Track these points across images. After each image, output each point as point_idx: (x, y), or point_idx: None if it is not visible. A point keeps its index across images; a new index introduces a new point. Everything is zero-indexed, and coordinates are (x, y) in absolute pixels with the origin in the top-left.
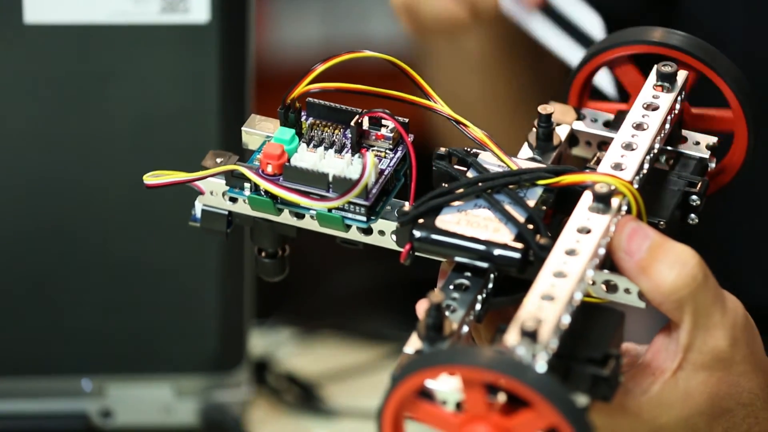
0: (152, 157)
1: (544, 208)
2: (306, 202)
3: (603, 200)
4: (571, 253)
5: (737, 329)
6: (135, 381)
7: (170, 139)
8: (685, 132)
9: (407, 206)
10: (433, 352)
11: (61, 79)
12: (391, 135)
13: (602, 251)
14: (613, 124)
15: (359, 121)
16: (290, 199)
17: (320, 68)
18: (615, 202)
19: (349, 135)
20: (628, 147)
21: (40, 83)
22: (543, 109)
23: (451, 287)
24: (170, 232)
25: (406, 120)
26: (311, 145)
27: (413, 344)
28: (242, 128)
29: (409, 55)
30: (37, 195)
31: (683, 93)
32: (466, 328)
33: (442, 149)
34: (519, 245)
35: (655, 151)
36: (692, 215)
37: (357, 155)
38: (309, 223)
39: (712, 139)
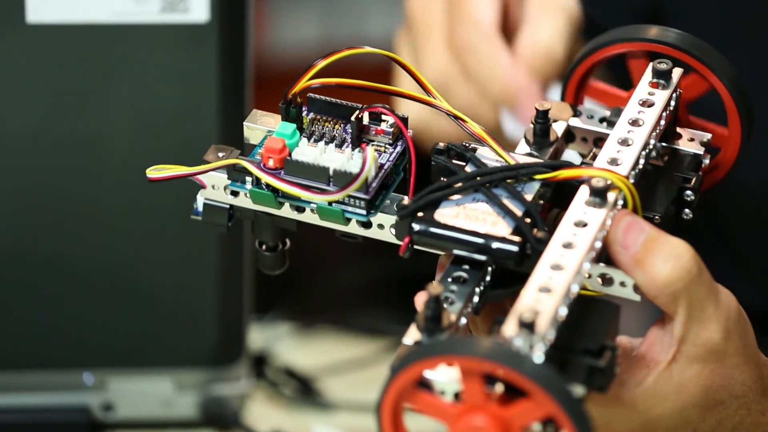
0: (153, 154)
1: (542, 202)
2: (307, 196)
3: (599, 194)
4: (568, 246)
5: (730, 322)
6: (136, 375)
7: (171, 137)
8: (679, 129)
9: (406, 200)
10: (431, 343)
11: (63, 77)
12: (391, 130)
13: (598, 245)
14: (609, 121)
15: (359, 116)
16: (291, 193)
17: (321, 64)
18: (611, 196)
19: (350, 130)
20: (624, 143)
21: (43, 82)
22: (540, 105)
23: (450, 280)
24: (171, 229)
25: (406, 115)
26: (312, 139)
27: (412, 335)
28: (244, 123)
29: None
30: (39, 191)
31: (678, 90)
32: (464, 320)
33: (441, 144)
34: (517, 238)
35: (651, 146)
36: (686, 210)
37: (357, 150)
38: (309, 217)
39: (706, 136)
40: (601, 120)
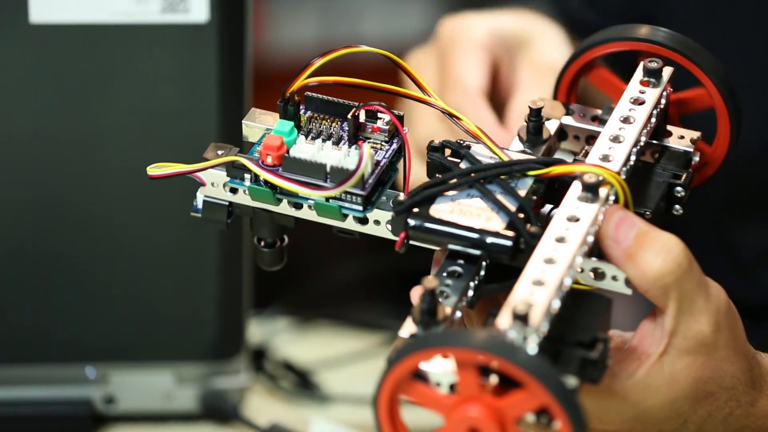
0: (154, 151)
1: (535, 197)
2: (305, 192)
3: (591, 190)
4: (560, 240)
5: (720, 315)
6: (137, 368)
7: (171, 134)
8: (669, 127)
9: (402, 196)
10: (427, 335)
11: (66, 76)
12: (387, 127)
13: (591, 239)
14: (601, 119)
15: (356, 114)
16: (289, 189)
17: (318, 62)
18: (603, 191)
19: (346, 127)
20: (616, 139)
21: (45, 80)
22: (533, 104)
23: (445, 274)
24: (172, 226)
25: (402, 113)
26: (309, 137)
27: (408, 328)
28: (243, 121)
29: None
30: (41, 189)
31: (668, 88)
32: (459, 314)
33: (436, 141)
34: (510, 233)
35: (642, 144)
36: (677, 206)
37: (354, 147)
38: (307, 213)
39: (696, 134)
40: (593, 118)
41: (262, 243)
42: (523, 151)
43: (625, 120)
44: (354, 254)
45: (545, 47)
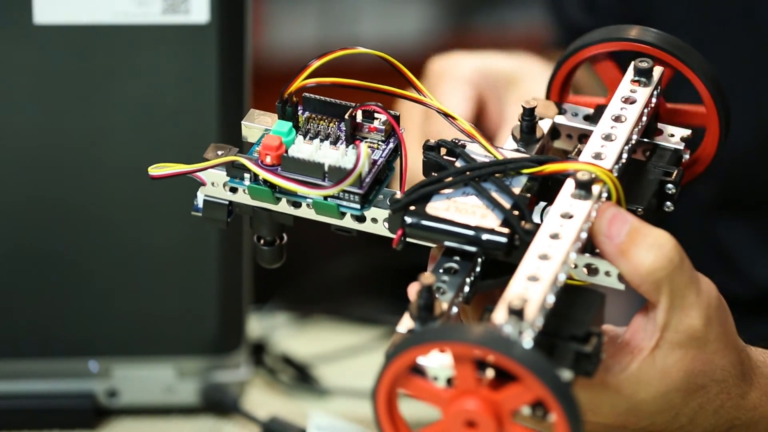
0: (155, 150)
1: (529, 195)
2: (303, 191)
3: (584, 187)
4: (554, 237)
5: (711, 309)
6: (139, 362)
7: (172, 134)
8: (660, 125)
9: (399, 194)
10: (424, 330)
11: (69, 76)
12: (384, 127)
13: (584, 235)
14: (593, 118)
15: (353, 114)
16: (288, 188)
17: (316, 64)
18: (596, 189)
19: (344, 127)
20: (608, 138)
21: (49, 80)
22: (526, 103)
23: (441, 271)
24: (174, 224)
25: (398, 113)
26: (308, 137)
27: (405, 324)
28: (242, 122)
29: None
30: (47, 186)
31: (659, 87)
32: (455, 309)
33: (432, 140)
34: (505, 230)
35: (633, 142)
36: (668, 203)
37: (351, 146)
38: (305, 212)
39: (686, 132)
40: (585, 117)
41: (262, 241)
42: (517, 150)
43: (617, 119)
44: (352, 251)
45: (533, 85)
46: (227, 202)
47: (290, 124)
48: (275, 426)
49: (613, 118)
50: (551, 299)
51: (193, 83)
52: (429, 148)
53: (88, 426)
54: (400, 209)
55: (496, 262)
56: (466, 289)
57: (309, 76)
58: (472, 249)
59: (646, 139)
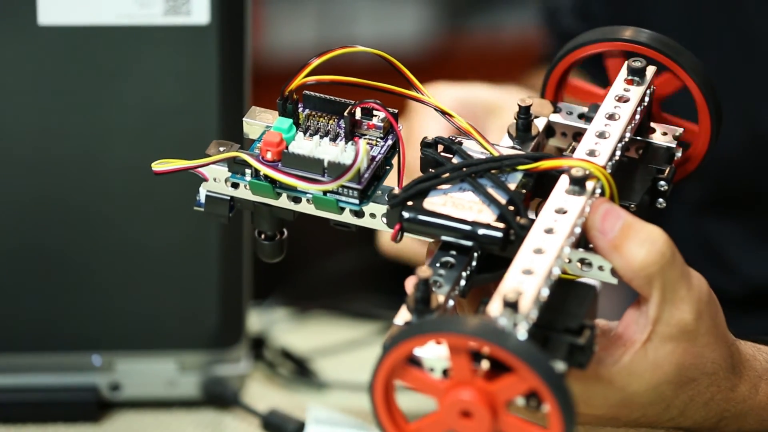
0: (157, 148)
1: (524, 191)
2: (303, 186)
3: (578, 183)
4: (549, 231)
5: (702, 303)
6: (141, 356)
7: (173, 133)
8: (653, 124)
9: (397, 190)
10: (421, 323)
11: (72, 76)
12: (382, 124)
13: (578, 230)
14: (587, 117)
15: (352, 111)
16: (288, 183)
17: (316, 62)
18: (590, 185)
19: (343, 124)
20: (602, 135)
21: (53, 80)
22: (522, 101)
23: (438, 264)
24: (175, 220)
25: (396, 110)
26: (308, 133)
27: (403, 316)
28: (243, 119)
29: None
30: (51, 184)
31: (652, 86)
32: (451, 302)
33: (429, 138)
34: (501, 225)
35: (626, 140)
36: (660, 200)
37: (350, 143)
38: (305, 207)
39: (678, 130)
40: (580, 116)
41: (263, 236)
42: (512, 147)
43: (611, 117)
44: (350, 246)
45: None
46: (229, 198)
47: (291, 121)
48: (274, 419)
49: (607, 116)
50: (545, 292)
51: (194, 83)
52: (427, 145)
53: (92, 419)
54: (397, 204)
55: (492, 256)
56: (463, 282)
57: (309, 75)
58: (469, 243)
59: (639, 138)
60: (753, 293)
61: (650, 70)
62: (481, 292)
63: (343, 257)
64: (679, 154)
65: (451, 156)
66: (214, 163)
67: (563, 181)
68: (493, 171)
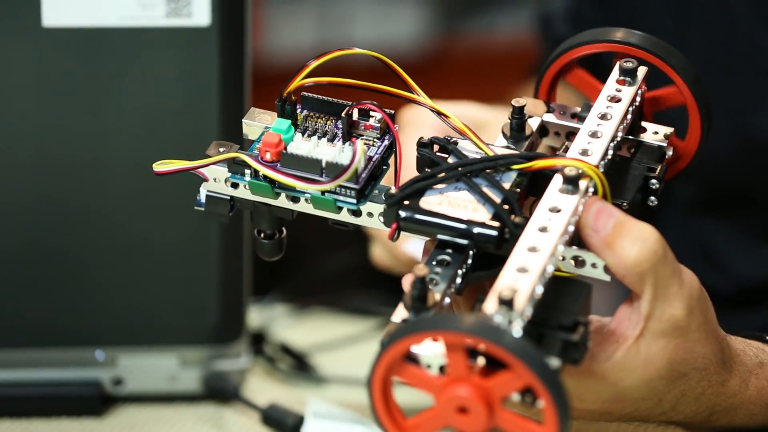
0: (158, 148)
1: (518, 190)
2: (301, 186)
3: (572, 182)
4: (543, 230)
5: (693, 300)
6: (144, 352)
7: (175, 133)
8: (644, 123)
9: (393, 189)
10: (418, 320)
11: (75, 77)
12: (379, 125)
13: (571, 229)
14: (580, 117)
15: (349, 112)
16: (287, 183)
17: (314, 64)
18: (583, 184)
19: (341, 125)
20: (594, 135)
21: (56, 81)
22: (516, 102)
23: (434, 263)
24: (176, 219)
25: (393, 111)
26: (306, 134)
27: (400, 314)
28: (243, 120)
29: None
30: (54, 183)
31: (643, 87)
32: (448, 300)
33: (425, 138)
34: (496, 224)
35: (618, 139)
36: (652, 198)
37: (348, 143)
38: (304, 207)
39: (669, 129)
40: (573, 116)
41: (262, 235)
42: (507, 147)
43: (603, 116)
44: (348, 244)
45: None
46: (229, 197)
47: (289, 122)
48: (274, 413)
49: (600, 116)
50: (540, 290)
51: (195, 84)
52: (423, 145)
53: (95, 413)
54: (394, 204)
55: (487, 255)
56: (458, 280)
57: (307, 76)
58: (464, 242)
59: (631, 137)
60: (744, 292)
61: (641, 71)
62: (476, 289)
63: (341, 255)
64: (670, 153)
65: (446, 156)
66: (214, 163)
67: (557, 180)
68: (488, 170)
